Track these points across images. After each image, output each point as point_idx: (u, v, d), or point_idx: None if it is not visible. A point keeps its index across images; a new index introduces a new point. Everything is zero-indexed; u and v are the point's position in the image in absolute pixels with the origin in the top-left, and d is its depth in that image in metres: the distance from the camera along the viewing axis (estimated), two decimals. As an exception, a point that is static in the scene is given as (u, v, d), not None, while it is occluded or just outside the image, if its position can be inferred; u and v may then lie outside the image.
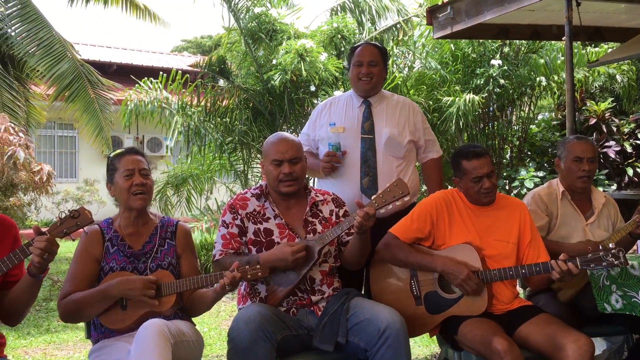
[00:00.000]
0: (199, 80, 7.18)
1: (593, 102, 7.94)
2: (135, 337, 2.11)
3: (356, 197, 2.79)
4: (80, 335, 4.42)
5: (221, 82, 7.37)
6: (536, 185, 6.66)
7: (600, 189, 6.79)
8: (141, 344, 2.06)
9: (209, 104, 7.20)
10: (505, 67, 7.35)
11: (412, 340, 2.59)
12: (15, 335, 4.47)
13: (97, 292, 2.28)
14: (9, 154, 5.57)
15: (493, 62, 7.27)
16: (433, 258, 2.55)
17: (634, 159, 7.56)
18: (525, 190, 6.82)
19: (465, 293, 2.47)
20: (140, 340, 2.07)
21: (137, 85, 7.17)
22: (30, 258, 2.06)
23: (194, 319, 2.52)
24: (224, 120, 7.16)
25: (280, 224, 2.53)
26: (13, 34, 7.36)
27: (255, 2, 7.15)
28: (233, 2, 7.06)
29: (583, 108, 7.91)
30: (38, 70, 7.39)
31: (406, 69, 8.27)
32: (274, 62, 6.80)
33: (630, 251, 2.97)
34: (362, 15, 7.94)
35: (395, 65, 7.68)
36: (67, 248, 7.91)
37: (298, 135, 3.35)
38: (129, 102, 7.00)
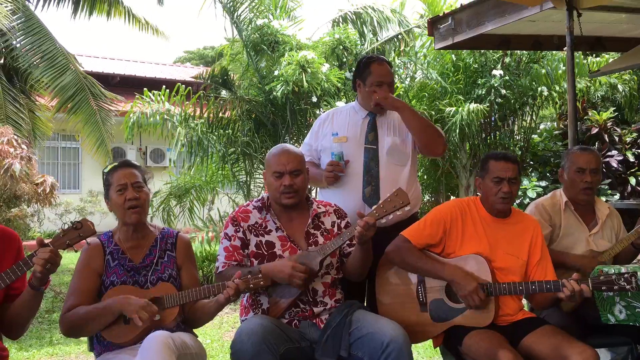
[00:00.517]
0: (202, 91, 7.21)
1: (595, 111, 7.95)
2: (140, 349, 2.10)
3: (358, 206, 2.80)
4: (83, 347, 4.41)
5: (224, 93, 7.41)
6: (539, 195, 6.66)
7: (603, 198, 6.78)
8: (146, 356, 2.05)
9: (211, 116, 7.22)
10: (507, 77, 7.39)
11: (415, 352, 2.58)
12: (18, 347, 4.47)
13: (100, 308, 2.27)
14: (5, 166, 5.58)
15: (494, 72, 7.31)
16: (443, 266, 2.54)
17: (636, 168, 7.56)
18: (528, 200, 6.81)
19: (469, 306, 2.46)
20: (146, 352, 2.06)
21: (139, 97, 7.20)
22: (33, 269, 2.06)
23: (196, 331, 2.52)
24: (226, 132, 7.18)
25: (282, 236, 2.54)
26: (17, 46, 7.42)
27: (258, 14, 7.20)
28: (236, 14, 7.12)
29: (585, 118, 7.92)
30: (42, 82, 7.44)
31: (408, 79, 8.30)
32: (276, 73, 6.83)
33: (634, 261, 2.96)
34: (364, 26, 7.99)
35: (397, 76, 7.70)
36: (70, 259, 7.90)
37: (300, 146, 3.36)
38: (132, 115, 7.03)
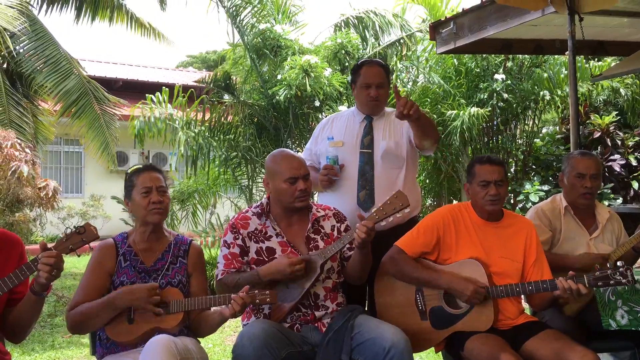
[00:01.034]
0: (204, 95, 7.23)
1: (597, 115, 7.95)
2: (142, 351, 2.11)
3: (353, 210, 2.80)
4: (85, 351, 4.41)
5: (226, 97, 7.42)
6: (541, 199, 6.65)
7: (606, 202, 6.78)
8: (148, 359, 2.06)
9: (214, 120, 7.24)
10: (509, 82, 7.39)
11: (416, 357, 2.57)
12: (20, 351, 4.47)
13: (104, 302, 2.29)
14: (12, 169, 5.60)
15: (496, 76, 7.31)
16: (439, 275, 2.54)
17: (639, 172, 7.55)
18: (530, 204, 6.81)
19: (474, 304, 2.46)
20: (147, 355, 2.07)
21: (143, 101, 7.22)
22: (37, 274, 2.07)
23: (198, 335, 2.53)
24: (228, 136, 7.20)
25: (282, 241, 2.55)
26: (21, 51, 7.44)
27: (261, 18, 7.22)
28: (238, 19, 7.14)
29: (587, 122, 7.92)
30: (46, 87, 7.46)
31: (410, 83, 8.31)
32: (279, 77, 6.85)
33: (636, 265, 2.95)
34: (366, 31, 8.01)
35: (399, 80, 7.72)
36: (72, 263, 7.92)
37: (303, 150, 3.37)
38: (137, 122, 7.04)
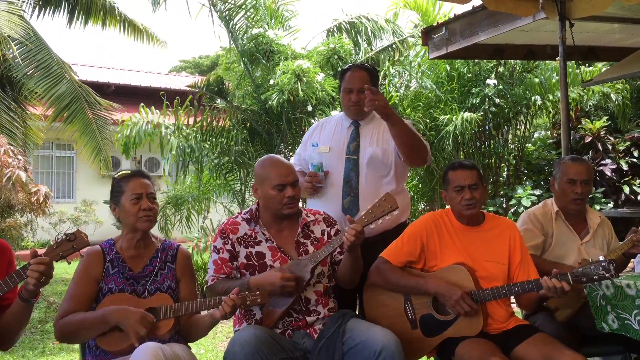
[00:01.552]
0: (194, 100, 7.20)
1: (588, 120, 8.00)
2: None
3: (338, 217, 2.80)
4: (75, 358, 4.38)
5: (219, 102, 7.41)
6: (533, 203, 6.68)
7: (597, 207, 6.81)
8: (135, 366, 2.04)
9: (205, 124, 7.22)
10: (501, 87, 7.42)
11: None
12: (10, 358, 4.43)
13: (96, 317, 2.26)
14: (7, 175, 5.57)
15: (488, 81, 7.34)
16: (425, 280, 2.55)
17: (630, 176, 7.60)
18: (522, 208, 6.83)
19: (459, 314, 2.46)
20: (135, 363, 2.05)
21: (141, 108, 7.19)
22: (25, 281, 2.05)
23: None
24: (220, 140, 7.18)
25: (272, 246, 2.54)
26: (12, 55, 7.40)
27: (254, 23, 7.22)
28: (232, 23, 7.14)
29: (578, 126, 7.97)
30: (36, 92, 7.42)
31: (402, 88, 8.33)
32: (271, 82, 6.85)
33: (626, 269, 2.97)
34: (358, 36, 8.02)
35: (391, 85, 7.73)
36: (63, 269, 7.87)
37: (294, 154, 3.37)
38: (125, 128, 6.99)
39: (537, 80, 7.48)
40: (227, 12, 7.15)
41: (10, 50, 7.10)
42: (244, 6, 7.15)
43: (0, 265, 2.18)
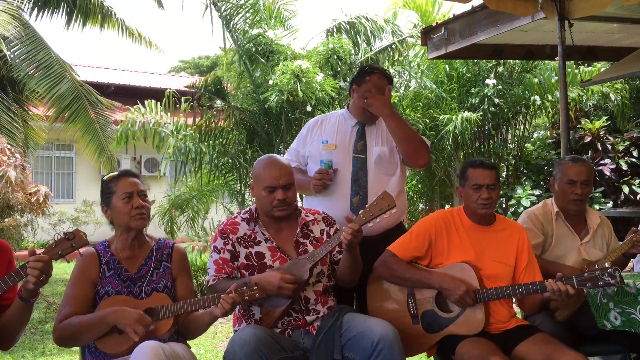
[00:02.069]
0: (192, 101, 7.20)
1: (588, 120, 8.00)
2: (130, 359, 2.09)
3: (345, 215, 2.79)
4: (75, 358, 4.38)
5: (218, 103, 7.41)
6: (532, 203, 6.68)
7: (597, 206, 6.82)
8: (136, 366, 2.04)
9: (203, 125, 7.22)
10: (500, 87, 7.43)
11: (407, 360, 2.57)
12: (10, 358, 4.43)
13: (94, 320, 2.26)
14: (0, 174, 5.56)
15: (488, 81, 7.35)
16: (431, 275, 2.56)
17: (629, 176, 7.60)
18: (522, 208, 6.83)
19: (464, 307, 2.47)
20: (135, 362, 2.05)
21: (130, 110, 7.20)
22: (25, 280, 2.05)
23: (190, 341, 2.51)
24: (219, 141, 7.18)
25: (271, 246, 2.55)
26: (12, 56, 7.40)
27: (254, 23, 7.22)
28: (232, 23, 7.14)
29: (578, 126, 7.97)
30: (37, 92, 7.41)
31: (402, 88, 8.33)
32: (270, 82, 6.85)
33: (626, 269, 2.97)
34: (358, 36, 8.02)
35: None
36: (63, 269, 7.86)
37: None
38: (121, 126, 7.01)
39: (536, 80, 7.48)
40: (227, 11, 7.16)
41: (11, 51, 7.10)
42: (244, 6, 7.16)
43: (0, 265, 2.17)
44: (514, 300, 2.70)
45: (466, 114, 6.96)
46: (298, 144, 3.14)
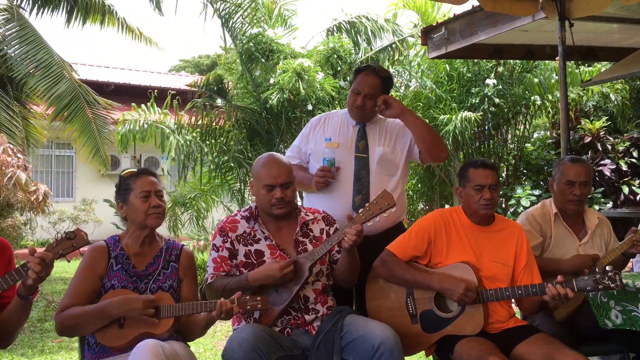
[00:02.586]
0: (195, 101, 7.20)
1: (588, 120, 8.00)
2: (130, 356, 2.10)
3: (346, 213, 2.79)
4: (75, 356, 4.38)
5: (219, 101, 7.41)
6: (532, 203, 6.68)
7: (596, 207, 6.81)
8: (135, 364, 2.04)
9: (205, 124, 7.22)
10: (500, 86, 7.43)
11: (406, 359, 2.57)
12: (10, 356, 4.43)
13: (97, 309, 2.27)
14: (8, 175, 5.58)
15: (488, 81, 7.34)
16: (430, 275, 2.55)
17: (629, 177, 7.60)
18: (521, 208, 6.83)
19: (466, 305, 2.47)
20: (135, 359, 2.06)
21: (134, 105, 7.20)
22: (25, 276, 2.06)
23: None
24: (219, 140, 7.18)
25: (270, 245, 2.55)
26: (13, 55, 7.40)
27: (254, 23, 7.22)
28: (231, 22, 7.14)
29: (578, 127, 7.96)
30: (38, 91, 7.42)
31: (402, 87, 8.33)
32: (272, 81, 6.84)
33: (625, 269, 2.97)
34: (358, 35, 8.02)
35: (391, 85, 7.73)
36: (62, 268, 7.87)
37: None
38: (126, 123, 7.01)
39: (536, 80, 7.48)
40: (225, 11, 7.15)
41: (12, 50, 7.11)
42: (242, 5, 7.15)
43: (0, 263, 2.18)
44: (513, 299, 2.70)
45: (466, 113, 6.96)
46: (300, 141, 3.15)
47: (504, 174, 8.22)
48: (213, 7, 7.08)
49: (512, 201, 7.18)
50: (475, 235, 2.63)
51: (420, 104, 7.62)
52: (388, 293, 2.65)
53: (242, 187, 7.39)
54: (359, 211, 2.46)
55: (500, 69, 7.66)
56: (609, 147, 7.75)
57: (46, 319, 5.55)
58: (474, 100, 7.42)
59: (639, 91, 8.90)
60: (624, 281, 2.41)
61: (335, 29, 8.11)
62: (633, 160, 7.72)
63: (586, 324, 2.67)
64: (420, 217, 2.81)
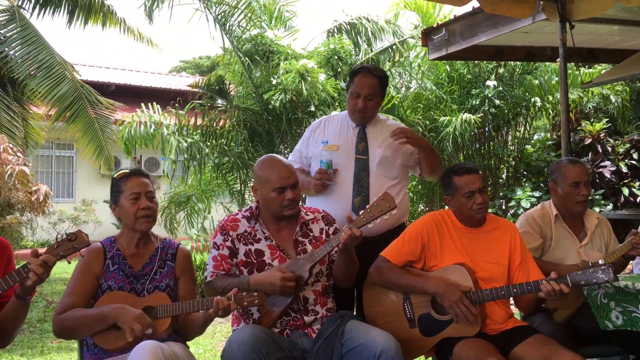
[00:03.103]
0: (196, 102, 7.20)
1: (588, 122, 8.00)
2: (128, 358, 2.09)
3: (346, 215, 2.79)
4: (74, 357, 4.38)
5: (220, 102, 7.41)
6: (532, 205, 6.68)
7: (597, 209, 6.82)
8: (134, 366, 2.04)
9: (206, 125, 7.22)
10: (501, 88, 7.43)
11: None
12: (9, 356, 4.43)
13: (95, 314, 2.27)
14: (8, 172, 5.58)
15: (488, 82, 7.34)
16: (425, 280, 2.54)
17: (629, 179, 7.60)
18: (521, 210, 6.84)
19: (456, 318, 2.45)
20: (134, 361, 2.05)
21: (133, 114, 7.20)
22: (25, 277, 2.06)
23: (188, 341, 2.51)
24: (220, 141, 7.18)
25: (271, 245, 2.55)
26: (14, 56, 7.39)
27: (252, 25, 7.22)
28: (228, 24, 7.12)
29: (578, 128, 7.96)
30: (39, 92, 7.42)
31: (403, 89, 8.33)
32: (274, 82, 6.84)
33: (625, 271, 2.97)
34: (359, 36, 8.03)
35: (392, 86, 7.74)
36: (62, 269, 7.86)
37: None
38: (125, 129, 7.00)
39: (536, 81, 7.48)
40: (221, 14, 7.14)
41: (13, 51, 7.11)
42: (238, 6, 7.14)
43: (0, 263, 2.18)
44: (511, 300, 2.70)
45: (466, 115, 6.96)
46: (301, 146, 3.17)
47: (504, 176, 8.22)
48: (209, 10, 7.06)
49: (512, 203, 7.18)
50: (467, 237, 2.63)
51: (421, 106, 7.62)
52: (385, 299, 2.64)
53: (242, 188, 7.39)
54: (360, 213, 2.45)
55: (501, 70, 7.66)
56: (609, 149, 7.76)
57: (46, 320, 5.54)
58: (474, 102, 7.42)
59: (639, 93, 8.90)
60: (624, 282, 2.41)
61: (335, 30, 8.11)
62: (633, 162, 7.73)
63: (586, 325, 2.66)
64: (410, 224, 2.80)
